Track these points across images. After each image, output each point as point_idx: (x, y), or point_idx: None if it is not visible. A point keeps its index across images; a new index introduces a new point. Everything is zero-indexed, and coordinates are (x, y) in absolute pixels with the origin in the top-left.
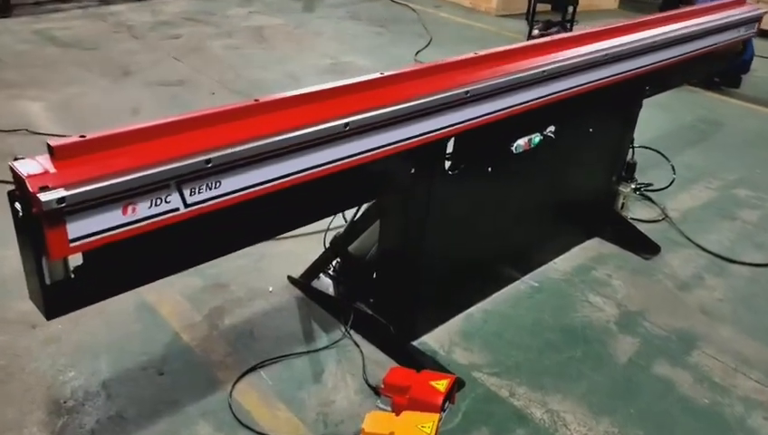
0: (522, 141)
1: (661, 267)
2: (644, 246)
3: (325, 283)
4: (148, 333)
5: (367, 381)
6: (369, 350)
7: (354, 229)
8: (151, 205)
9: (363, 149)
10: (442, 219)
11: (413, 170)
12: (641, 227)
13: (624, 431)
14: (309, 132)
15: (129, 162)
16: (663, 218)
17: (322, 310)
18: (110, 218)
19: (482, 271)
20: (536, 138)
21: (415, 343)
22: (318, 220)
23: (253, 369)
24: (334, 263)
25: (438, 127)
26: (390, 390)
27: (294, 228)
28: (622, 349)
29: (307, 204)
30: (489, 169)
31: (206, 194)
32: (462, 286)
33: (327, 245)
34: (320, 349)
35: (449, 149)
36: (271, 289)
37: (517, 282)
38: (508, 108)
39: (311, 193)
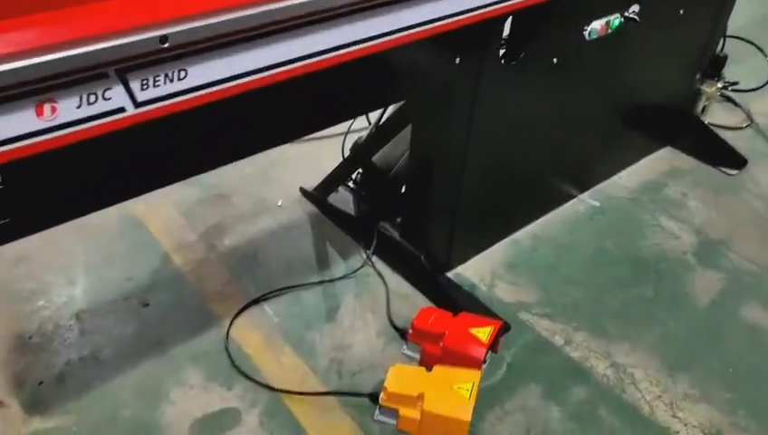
0: (597, 24)
1: (748, 185)
2: (727, 158)
3: (344, 198)
4: (133, 255)
5: (391, 322)
6: (395, 282)
7: (380, 135)
8: (81, 103)
9: (391, 29)
10: (489, 123)
11: (458, 60)
12: (723, 134)
13: (706, 393)
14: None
15: (40, 38)
16: (748, 125)
17: (340, 230)
18: (17, 123)
19: (533, 187)
20: (615, 20)
21: (450, 274)
22: (329, 126)
23: (255, 302)
24: (355, 174)
25: (493, 0)
26: (420, 336)
27: (296, 137)
28: (703, 287)
29: (314, 103)
30: (555, 59)
31: (165, 88)
32: (508, 206)
33: (347, 152)
34: (335, 279)
35: (505, 32)
36: (280, 203)
37: (574, 200)
38: None
39: (317, 89)
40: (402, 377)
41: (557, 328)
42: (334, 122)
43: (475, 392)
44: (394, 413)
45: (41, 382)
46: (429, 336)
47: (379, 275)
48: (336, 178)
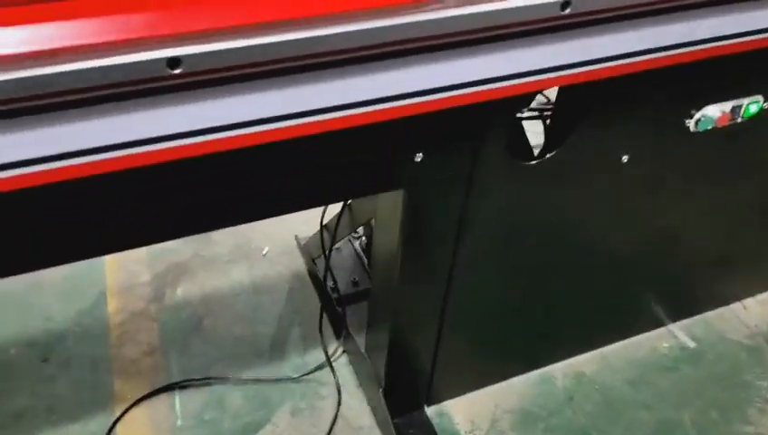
0: (716, 110)
1: None
2: None
3: (347, 259)
4: (69, 285)
5: None
6: (355, 403)
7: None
8: None
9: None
10: (501, 224)
11: (420, 157)
12: None
13: None
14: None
15: None
16: None
17: (323, 303)
18: None
19: (579, 306)
20: (752, 104)
21: (431, 409)
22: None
23: (168, 389)
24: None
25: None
26: None
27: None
28: None
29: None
30: (624, 156)
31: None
32: (541, 324)
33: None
34: (280, 379)
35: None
36: (265, 251)
37: (660, 331)
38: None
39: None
40: None
41: None
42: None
43: None
44: None
45: None
46: None
47: (337, 388)
48: (334, 231)
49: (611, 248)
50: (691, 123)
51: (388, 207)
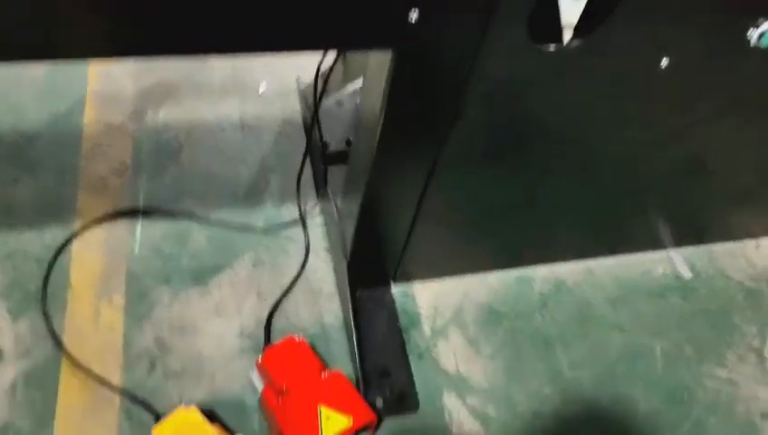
0: None
1: None
2: None
3: (329, 111)
4: (48, 85)
5: (269, 324)
6: (320, 265)
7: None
8: None
9: None
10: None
11: (415, 16)
12: None
13: None
14: None
15: None
16: None
17: (308, 156)
18: None
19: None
20: None
21: (396, 288)
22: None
23: (131, 214)
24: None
25: None
26: (265, 373)
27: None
28: None
29: None
30: (664, 60)
31: None
32: (534, 224)
33: None
34: (247, 228)
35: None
36: (262, 89)
37: (658, 254)
38: None
39: None
40: (175, 433)
41: None
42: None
43: None
44: None
45: None
46: (271, 381)
47: (306, 248)
48: (324, 82)
49: (624, 159)
50: (753, 36)
51: (377, 66)
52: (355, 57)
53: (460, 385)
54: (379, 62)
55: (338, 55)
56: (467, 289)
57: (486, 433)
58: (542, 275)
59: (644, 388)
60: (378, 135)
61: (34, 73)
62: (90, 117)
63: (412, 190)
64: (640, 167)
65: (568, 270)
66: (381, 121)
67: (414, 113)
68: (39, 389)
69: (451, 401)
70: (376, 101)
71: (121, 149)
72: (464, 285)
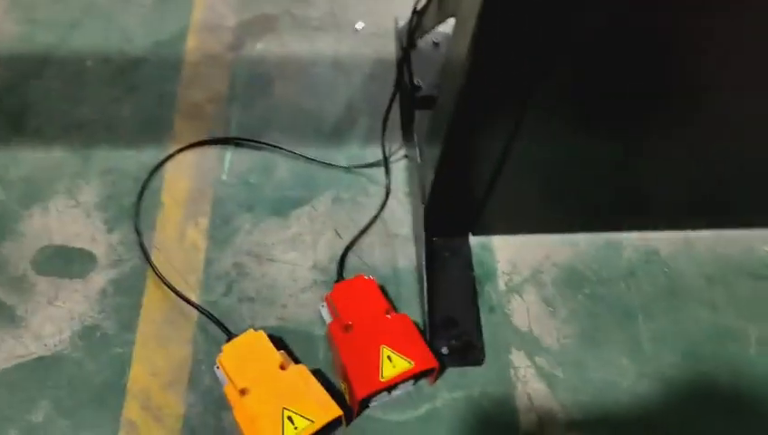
0: None
1: None
2: None
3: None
4: (155, 12)
5: (342, 260)
6: (399, 209)
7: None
8: None
9: None
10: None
11: None
12: None
13: None
14: None
15: None
16: None
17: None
18: None
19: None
20: None
21: (475, 239)
22: None
23: (222, 141)
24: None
25: None
26: (333, 306)
27: None
28: None
29: None
30: None
31: None
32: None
33: None
34: (331, 164)
35: None
36: (359, 26)
37: (759, 232)
38: None
39: None
40: (244, 352)
41: (553, 408)
42: None
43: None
44: (225, 380)
45: None
46: (338, 315)
47: (386, 190)
48: (419, 20)
49: (746, 120)
50: None
51: (469, 2)
52: None
53: (530, 343)
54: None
55: None
56: (550, 249)
57: (552, 394)
58: (633, 242)
59: (731, 374)
60: (464, 77)
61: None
62: (191, 45)
63: (497, 140)
64: (760, 129)
65: (663, 239)
66: (469, 62)
67: (503, 56)
68: (126, 296)
69: (518, 359)
70: (465, 42)
71: (218, 79)
72: (547, 245)
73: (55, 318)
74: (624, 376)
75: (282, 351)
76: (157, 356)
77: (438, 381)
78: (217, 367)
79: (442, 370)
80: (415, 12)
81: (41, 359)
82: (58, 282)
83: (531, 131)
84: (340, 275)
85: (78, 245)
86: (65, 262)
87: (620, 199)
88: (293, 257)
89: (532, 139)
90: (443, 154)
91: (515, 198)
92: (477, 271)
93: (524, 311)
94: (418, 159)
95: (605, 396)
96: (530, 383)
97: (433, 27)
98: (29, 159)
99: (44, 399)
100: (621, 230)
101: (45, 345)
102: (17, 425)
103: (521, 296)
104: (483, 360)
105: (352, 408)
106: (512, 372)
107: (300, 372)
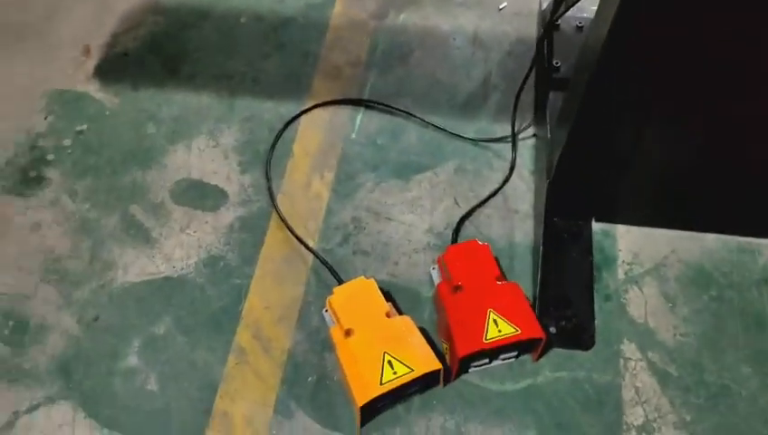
0: None
1: None
2: None
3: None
4: None
5: (458, 227)
6: (522, 184)
7: None
8: None
9: None
10: None
11: None
12: None
13: None
14: None
15: None
16: None
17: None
18: None
19: None
20: None
21: (598, 226)
22: None
23: (356, 102)
24: None
25: None
26: (444, 268)
27: None
28: None
29: None
30: None
31: None
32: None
33: None
34: (458, 135)
35: None
36: (503, 6)
37: None
38: None
39: None
40: (353, 296)
41: (662, 405)
42: None
43: (399, 381)
44: (332, 321)
45: None
46: (449, 276)
47: (511, 166)
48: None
49: None
50: None
51: None
52: None
53: (644, 337)
54: None
55: None
56: (677, 245)
57: (662, 390)
58: None
59: None
60: (599, 62)
61: None
62: (338, 11)
63: (627, 126)
64: None
65: None
66: (606, 46)
67: (641, 43)
68: (250, 233)
69: (630, 350)
70: (604, 28)
71: (359, 44)
72: (674, 240)
73: (185, 244)
74: (744, 385)
75: (389, 302)
76: (271, 292)
77: (542, 359)
78: (326, 310)
79: (547, 348)
80: None
81: (168, 279)
82: (191, 212)
83: (662, 123)
84: (454, 241)
85: (213, 181)
86: (200, 195)
87: (758, 202)
88: (410, 219)
89: (662, 128)
90: (571, 134)
91: (643, 189)
92: (596, 257)
93: (642, 303)
94: (547, 139)
95: (720, 402)
96: (639, 376)
97: (570, 6)
98: (180, 101)
99: (167, 315)
100: (757, 236)
101: (174, 267)
102: (141, 334)
103: (640, 288)
104: (592, 345)
105: (452, 368)
106: (621, 362)
107: (405, 322)
